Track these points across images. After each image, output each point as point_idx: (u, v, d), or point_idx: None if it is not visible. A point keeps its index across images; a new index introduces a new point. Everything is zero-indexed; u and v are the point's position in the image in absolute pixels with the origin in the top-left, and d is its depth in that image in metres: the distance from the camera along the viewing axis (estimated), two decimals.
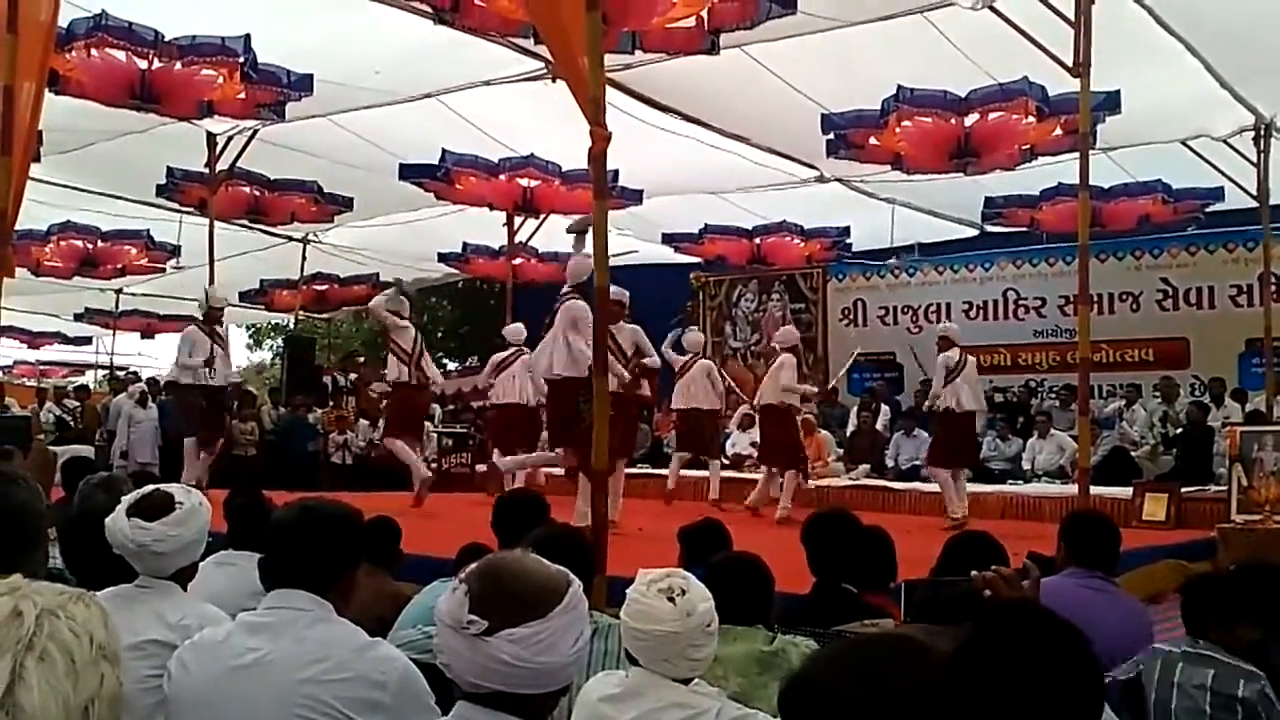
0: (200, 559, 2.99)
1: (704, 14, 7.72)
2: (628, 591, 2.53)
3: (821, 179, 12.74)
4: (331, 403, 16.19)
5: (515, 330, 11.97)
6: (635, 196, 12.28)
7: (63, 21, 6.95)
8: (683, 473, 11.70)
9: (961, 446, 10.12)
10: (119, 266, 15.84)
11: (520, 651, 1.74)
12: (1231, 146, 10.95)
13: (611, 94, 6.38)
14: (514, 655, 1.73)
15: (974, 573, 2.44)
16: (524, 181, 12.28)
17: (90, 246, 15.28)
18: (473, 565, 1.88)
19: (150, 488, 2.88)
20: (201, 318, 10.86)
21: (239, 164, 12.17)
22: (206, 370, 10.41)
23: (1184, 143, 11.02)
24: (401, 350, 10.10)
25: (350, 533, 2.54)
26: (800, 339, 11.75)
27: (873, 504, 10.78)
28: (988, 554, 3.13)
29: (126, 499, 2.81)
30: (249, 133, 11.63)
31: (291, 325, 20.23)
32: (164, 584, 2.79)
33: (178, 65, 8.99)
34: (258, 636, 2.36)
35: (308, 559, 2.43)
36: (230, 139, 11.83)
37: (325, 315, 20.54)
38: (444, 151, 11.71)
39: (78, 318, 20.34)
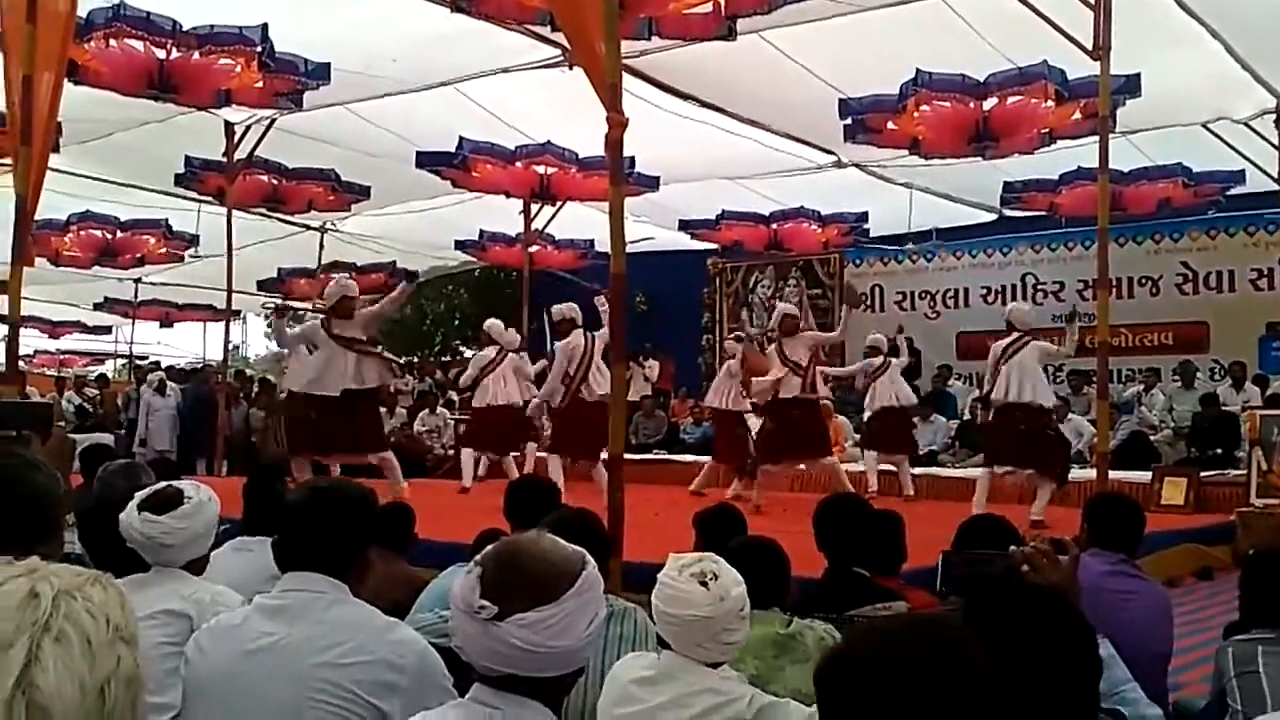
0: (215, 546, 3.05)
1: None
2: (659, 575, 2.51)
3: (839, 164, 12.69)
4: None
5: (498, 328, 10.95)
6: (652, 183, 12.26)
7: (81, 12, 6.96)
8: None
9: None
10: (138, 256, 15.92)
11: (531, 636, 1.72)
12: (1252, 129, 10.88)
13: (628, 80, 6.36)
14: (524, 640, 1.72)
15: (1012, 548, 2.38)
16: (541, 169, 12.29)
17: (109, 236, 15.37)
18: (489, 547, 1.86)
19: (162, 484, 2.98)
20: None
21: (257, 153, 12.22)
22: None
23: (1204, 126, 10.94)
24: None
25: (363, 512, 2.54)
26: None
27: (889, 489, 10.75)
28: (1001, 538, 3.12)
29: (139, 495, 2.91)
30: (267, 122, 11.68)
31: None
32: (176, 572, 2.89)
33: (195, 55, 9.02)
34: (275, 620, 2.37)
35: (321, 539, 2.44)
36: (248, 128, 11.88)
37: None
38: (461, 139, 11.71)
39: (97, 307, 20.45)
